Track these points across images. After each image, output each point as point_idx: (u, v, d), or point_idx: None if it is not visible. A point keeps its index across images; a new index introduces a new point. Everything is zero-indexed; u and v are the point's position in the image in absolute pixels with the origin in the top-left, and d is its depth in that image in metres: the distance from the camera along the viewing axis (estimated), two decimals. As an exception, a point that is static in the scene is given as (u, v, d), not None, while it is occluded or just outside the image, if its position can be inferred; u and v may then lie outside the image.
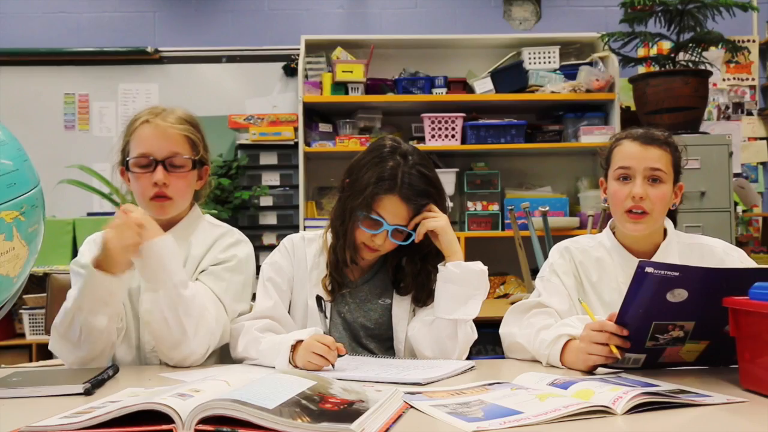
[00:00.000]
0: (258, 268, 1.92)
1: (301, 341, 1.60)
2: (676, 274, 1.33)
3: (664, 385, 1.31)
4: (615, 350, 1.43)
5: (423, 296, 1.85)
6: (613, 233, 1.86)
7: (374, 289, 1.90)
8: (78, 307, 1.62)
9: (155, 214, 1.79)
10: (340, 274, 1.86)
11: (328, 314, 1.82)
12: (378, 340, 1.88)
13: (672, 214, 1.87)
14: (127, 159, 1.79)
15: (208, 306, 1.72)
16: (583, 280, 1.84)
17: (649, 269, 1.33)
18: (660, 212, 1.76)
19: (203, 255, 1.84)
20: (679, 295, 1.35)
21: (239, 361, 1.78)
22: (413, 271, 1.85)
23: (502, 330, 1.82)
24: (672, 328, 1.41)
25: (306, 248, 1.91)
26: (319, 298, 1.83)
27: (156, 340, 1.71)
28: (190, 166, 1.81)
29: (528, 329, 1.72)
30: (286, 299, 1.87)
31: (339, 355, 1.58)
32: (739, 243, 4.25)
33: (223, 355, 1.85)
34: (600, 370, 1.52)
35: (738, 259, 1.80)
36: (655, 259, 1.77)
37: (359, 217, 1.77)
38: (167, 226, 1.83)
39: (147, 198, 1.78)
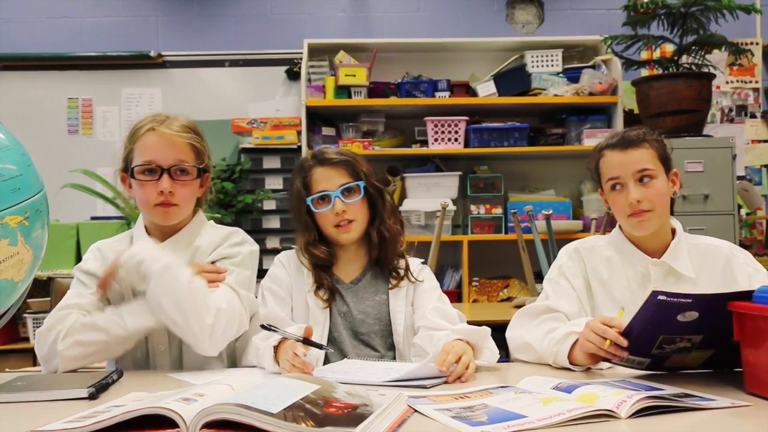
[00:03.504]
0: (261, 270, 1.93)
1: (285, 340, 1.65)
2: (689, 301, 1.33)
3: (668, 389, 1.31)
4: (608, 343, 1.44)
5: (379, 256, 1.94)
6: (622, 232, 1.86)
7: (368, 287, 1.95)
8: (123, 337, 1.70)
9: (160, 221, 1.82)
10: (328, 277, 1.92)
11: (314, 321, 1.87)
12: (379, 336, 1.91)
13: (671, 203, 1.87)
14: (132, 167, 1.79)
15: (208, 296, 1.72)
16: (593, 280, 1.84)
17: (662, 297, 1.33)
18: (662, 206, 1.77)
19: (210, 252, 1.85)
20: (690, 316, 1.35)
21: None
22: (368, 233, 1.94)
23: (509, 333, 1.83)
24: (680, 341, 1.41)
25: (301, 257, 1.96)
26: (264, 326, 1.76)
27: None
28: (195, 174, 1.82)
29: (537, 332, 1.73)
30: (286, 305, 1.92)
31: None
32: (743, 246, 4.19)
33: (228, 359, 1.86)
34: (605, 372, 1.52)
35: (743, 260, 1.81)
36: (666, 257, 1.79)
37: (310, 207, 1.91)
38: (171, 232, 1.84)
39: (151, 205, 1.79)
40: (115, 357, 1.78)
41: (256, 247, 1.94)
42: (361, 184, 1.91)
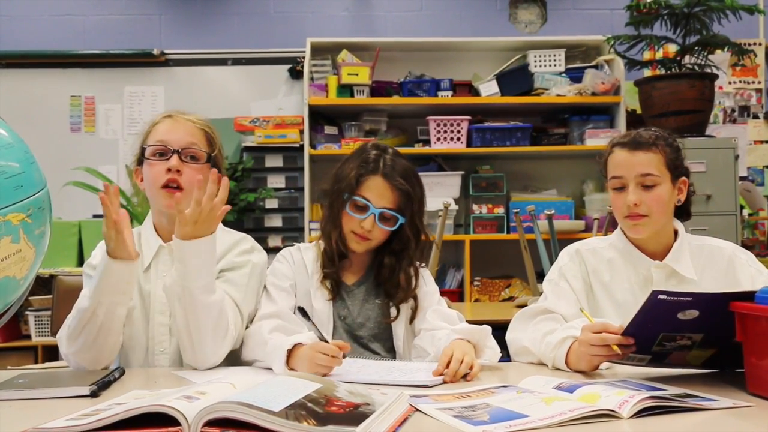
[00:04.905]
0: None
1: (299, 345, 1.59)
2: (689, 299, 1.33)
3: (670, 389, 1.30)
4: (616, 348, 1.43)
5: (393, 291, 1.89)
6: (625, 234, 1.85)
7: (371, 290, 1.93)
8: (98, 301, 1.62)
9: (165, 206, 1.79)
10: (335, 271, 1.89)
11: (318, 321, 1.80)
12: (380, 340, 1.90)
13: (685, 210, 1.87)
14: (144, 146, 1.81)
15: (227, 313, 1.72)
16: (594, 282, 1.84)
17: (662, 297, 1.33)
18: (659, 212, 1.76)
19: (218, 260, 1.82)
20: (690, 314, 1.35)
21: (247, 363, 1.78)
22: (389, 264, 1.89)
23: (509, 336, 1.82)
24: (680, 338, 1.41)
25: (303, 255, 1.95)
26: (302, 309, 1.74)
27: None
28: (204, 158, 1.82)
29: (534, 334, 1.72)
30: (291, 300, 1.88)
31: (344, 355, 1.58)
32: (745, 246, 4.20)
33: (230, 357, 1.85)
34: (606, 373, 1.51)
35: (746, 261, 1.80)
36: (668, 259, 1.78)
37: (347, 202, 1.83)
38: None
39: (158, 186, 1.77)
40: (111, 340, 1.68)
41: (265, 255, 1.92)
42: (402, 220, 1.86)
